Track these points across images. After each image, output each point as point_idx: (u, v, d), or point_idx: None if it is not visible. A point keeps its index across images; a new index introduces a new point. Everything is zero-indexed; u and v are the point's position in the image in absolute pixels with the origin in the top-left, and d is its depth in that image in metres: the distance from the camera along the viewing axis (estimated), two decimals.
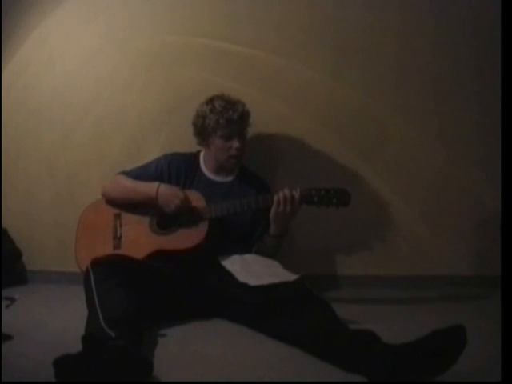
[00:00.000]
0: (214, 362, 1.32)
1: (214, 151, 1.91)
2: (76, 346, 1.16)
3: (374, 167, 2.18)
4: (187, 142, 2.04)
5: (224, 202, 1.77)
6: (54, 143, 2.41)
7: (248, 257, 1.78)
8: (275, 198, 1.73)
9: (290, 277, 1.56)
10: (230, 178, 1.96)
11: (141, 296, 1.49)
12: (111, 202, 1.95)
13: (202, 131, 1.90)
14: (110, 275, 1.49)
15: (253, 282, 1.54)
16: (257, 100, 2.13)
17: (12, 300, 2.00)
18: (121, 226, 1.89)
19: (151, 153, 2.15)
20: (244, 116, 1.89)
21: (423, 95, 2.16)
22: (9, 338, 1.48)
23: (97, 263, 1.54)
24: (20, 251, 2.46)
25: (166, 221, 1.83)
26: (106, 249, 1.82)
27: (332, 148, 2.19)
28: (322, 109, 2.21)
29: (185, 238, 1.76)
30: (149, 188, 1.83)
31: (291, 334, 1.41)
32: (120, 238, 1.86)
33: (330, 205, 1.73)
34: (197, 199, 1.80)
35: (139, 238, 1.82)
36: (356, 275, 2.19)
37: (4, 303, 1.95)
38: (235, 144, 1.86)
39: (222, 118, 1.84)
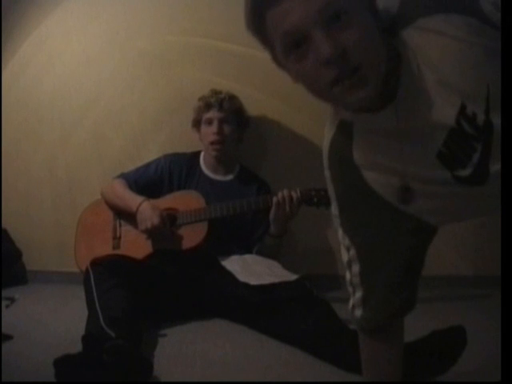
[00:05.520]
0: (214, 361, 1.32)
1: (202, 141, 1.95)
2: (76, 346, 1.16)
3: None
4: (187, 142, 2.04)
5: (224, 202, 1.77)
6: (53, 143, 2.41)
7: (248, 257, 1.78)
8: (275, 199, 1.73)
9: (290, 277, 1.56)
10: (229, 177, 1.96)
11: (141, 296, 1.49)
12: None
13: (194, 123, 1.97)
14: (110, 275, 1.49)
15: (253, 281, 1.54)
16: (257, 100, 2.13)
17: (12, 300, 1.99)
18: (120, 226, 1.89)
19: (151, 153, 2.15)
20: (223, 103, 1.90)
21: None
22: (9, 338, 1.48)
23: (97, 263, 1.55)
24: (20, 251, 2.45)
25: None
26: (105, 249, 1.82)
27: None
28: (322, 109, 2.20)
29: (185, 238, 1.76)
30: (133, 201, 1.82)
31: (291, 334, 1.41)
32: (120, 238, 1.86)
33: (330, 206, 1.73)
34: (196, 199, 1.80)
35: (139, 239, 1.82)
36: None
37: (4, 303, 1.94)
38: (213, 129, 1.88)
39: (203, 102, 1.91)
